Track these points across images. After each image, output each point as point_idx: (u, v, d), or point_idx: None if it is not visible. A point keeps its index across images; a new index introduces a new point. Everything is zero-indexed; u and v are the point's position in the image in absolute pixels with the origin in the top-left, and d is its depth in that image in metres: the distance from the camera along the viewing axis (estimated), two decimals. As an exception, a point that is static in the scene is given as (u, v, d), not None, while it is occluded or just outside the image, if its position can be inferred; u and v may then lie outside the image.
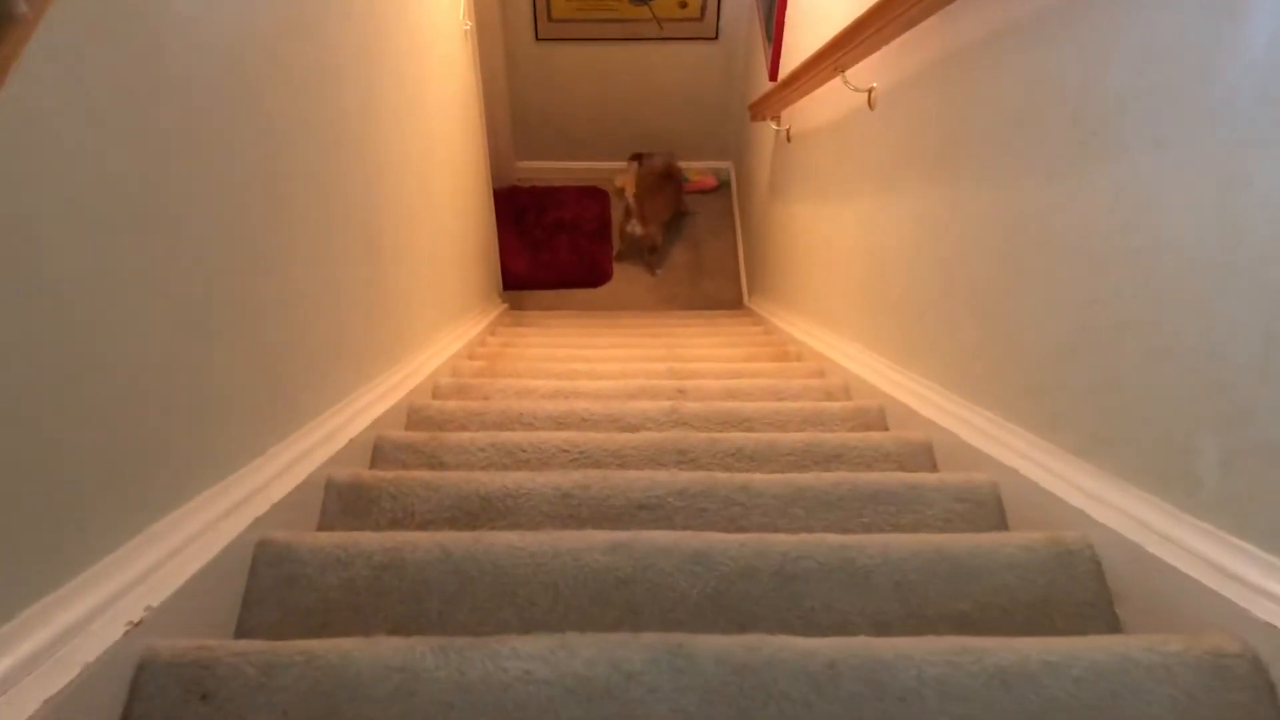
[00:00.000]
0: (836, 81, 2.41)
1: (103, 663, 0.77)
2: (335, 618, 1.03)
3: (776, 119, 3.31)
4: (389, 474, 1.39)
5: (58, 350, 0.75)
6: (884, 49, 2.01)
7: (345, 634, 1.00)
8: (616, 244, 4.97)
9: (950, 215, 1.60)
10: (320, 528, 1.32)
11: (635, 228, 4.66)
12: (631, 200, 4.61)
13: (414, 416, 1.88)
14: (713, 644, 0.83)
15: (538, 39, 4.74)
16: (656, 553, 1.09)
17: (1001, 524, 1.33)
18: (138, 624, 0.82)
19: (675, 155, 4.96)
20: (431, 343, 2.34)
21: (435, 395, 2.13)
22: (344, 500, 1.35)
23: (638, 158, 4.85)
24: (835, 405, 1.93)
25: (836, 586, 1.06)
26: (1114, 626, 1.03)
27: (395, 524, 1.33)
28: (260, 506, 1.11)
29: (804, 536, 1.12)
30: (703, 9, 4.67)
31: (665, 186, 4.81)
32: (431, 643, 0.83)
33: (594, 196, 5.21)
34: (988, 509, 1.35)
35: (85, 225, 0.78)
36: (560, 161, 5.31)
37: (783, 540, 1.11)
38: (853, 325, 2.32)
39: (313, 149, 1.39)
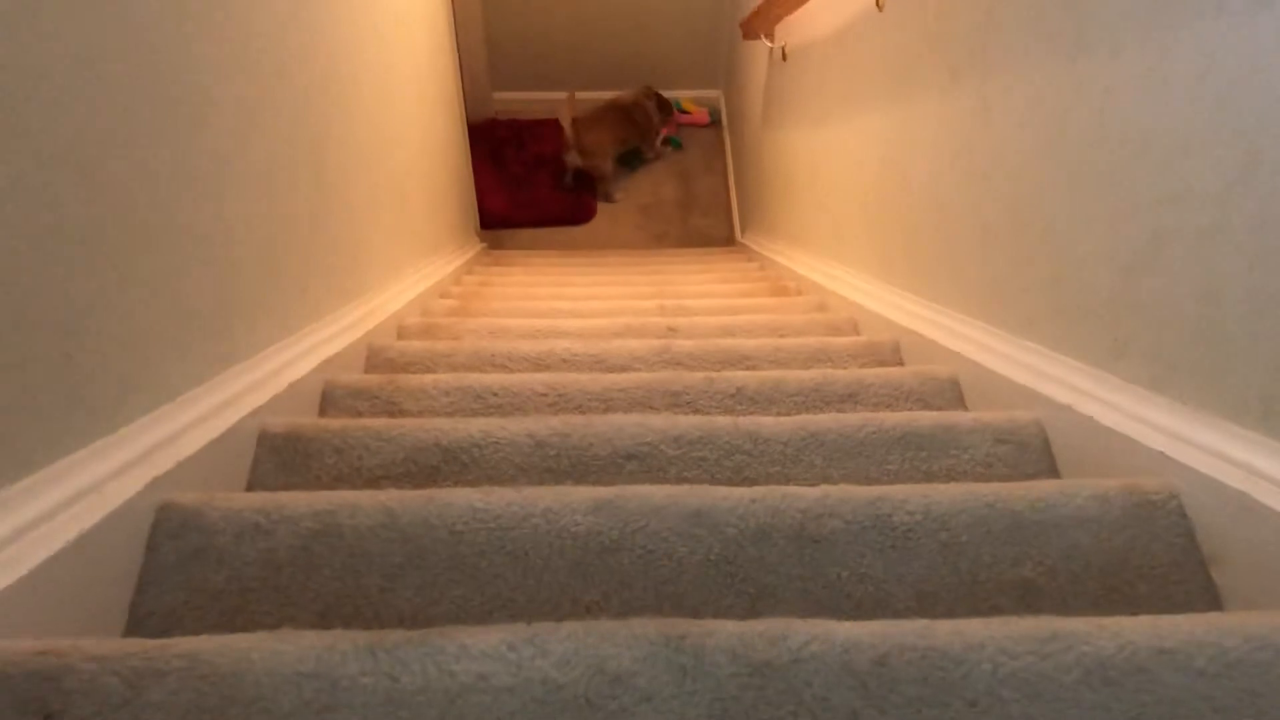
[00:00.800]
0: (840, -16, 2.17)
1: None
2: (251, 601, 0.83)
3: (770, 35, 3.06)
4: (334, 423, 1.18)
5: None
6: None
7: (261, 621, 0.81)
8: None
9: (982, 116, 1.38)
10: (250, 488, 1.11)
11: (574, 159, 4.49)
12: (568, 130, 4.39)
13: (374, 359, 1.66)
14: (725, 635, 0.64)
15: (514, -41, 4.44)
16: (648, 512, 0.89)
17: (1051, 470, 1.14)
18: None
19: (647, 92, 4.68)
20: (397, 280, 2.12)
21: (400, 336, 1.92)
22: (279, 455, 1.14)
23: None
24: (843, 340, 1.73)
25: (870, 550, 0.87)
26: (1210, 595, 0.85)
27: (339, 481, 1.13)
28: (163, 463, 0.91)
29: (826, 489, 0.93)
30: (690, -78, 4.37)
31: (614, 119, 4.57)
32: (357, 639, 0.63)
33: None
34: (1034, 452, 1.16)
35: None
36: (541, 92, 5.01)
37: (801, 495, 0.91)
38: (860, 255, 2.10)
39: (236, 43, 1.16)
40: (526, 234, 4.54)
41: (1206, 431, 0.88)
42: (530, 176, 4.70)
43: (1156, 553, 0.86)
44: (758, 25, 3.03)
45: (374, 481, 1.12)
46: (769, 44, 3.11)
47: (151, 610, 0.82)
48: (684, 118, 5.00)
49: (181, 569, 0.85)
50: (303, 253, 1.43)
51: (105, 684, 0.60)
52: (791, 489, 0.92)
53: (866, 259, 2.04)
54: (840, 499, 0.91)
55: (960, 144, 1.46)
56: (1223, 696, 0.60)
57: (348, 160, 1.70)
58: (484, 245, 4.02)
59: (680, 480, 1.12)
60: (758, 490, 0.92)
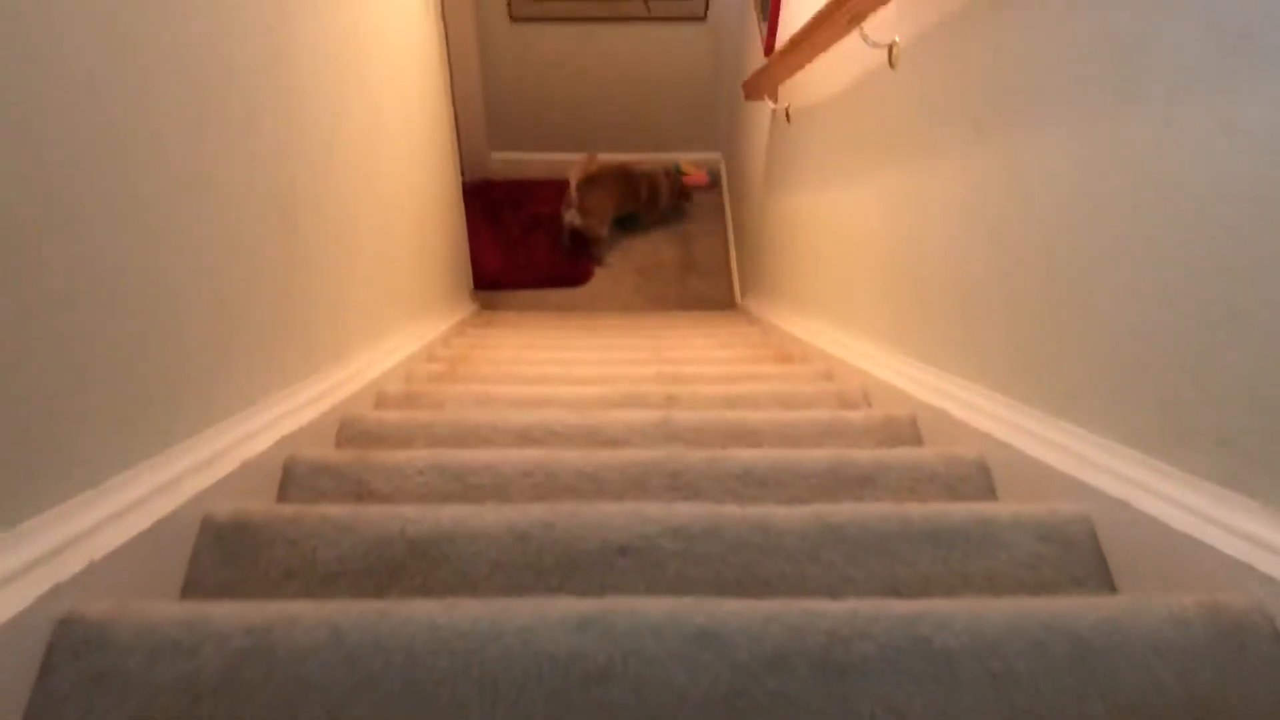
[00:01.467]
0: (846, 43, 2.08)
1: None
2: (159, 742, 0.69)
3: (774, 96, 2.98)
4: (287, 509, 1.04)
5: None
6: (911, -9, 1.69)
7: (166, 772, 0.66)
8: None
9: (1011, 174, 1.26)
10: (186, 586, 0.97)
11: (574, 218, 4.37)
12: (573, 189, 4.28)
13: (347, 431, 1.53)
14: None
15: (512, 19, 4.39)
16: (645, 631, 0.75)
17: (1103, 574, 1.00)
18: None
19: (668, 171, 4.65)
20: (379, 344, 1.99)
21: (379, 405, 1.78)
22: (224, 546, 1.00)
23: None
24: (857, 415, 1.59)
25: (908, 680, 0.73)
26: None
27: (290, 577, 0.98)
28: (70, 565, 0.77)
29: (855, 605, 0.79)
30: (691, -14, 4.35)
31: (620, 185, 4.48)
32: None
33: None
34: (1082, 553, 1.02)
35: None
36: (538, 153, 4.95)
37: (826, 611, 0.77)
38: (871, 322, 1.98)
39: (186, 81, 1.04)
40: (523, 295, 4.43)
41: (1303, 541, 0.75)
42: (527, 237, 4.61)
43: (1255, 692, 0.72)
44: (761, 86, 2.95)
45: (329, 579, 0.98)
46: (772, 105, 3.04)
47: (36, 753, 0.68)
48: (684, 179, 4.92)
49: (79, 698, 0.70)
50: (268, 315, 1.30)
51: None
52: (814, 604, 0.78)
53: (878, 326, 1.92)
54: (871, 616, 0.76)
55: (986, 205, 1.35)
56: None
57: (325, 217, 1.58)
58: (477, 306, 3.91)
59: (680, 579, 0.98)
60: (774, 605, 0.78)
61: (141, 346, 0.94)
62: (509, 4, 4.33)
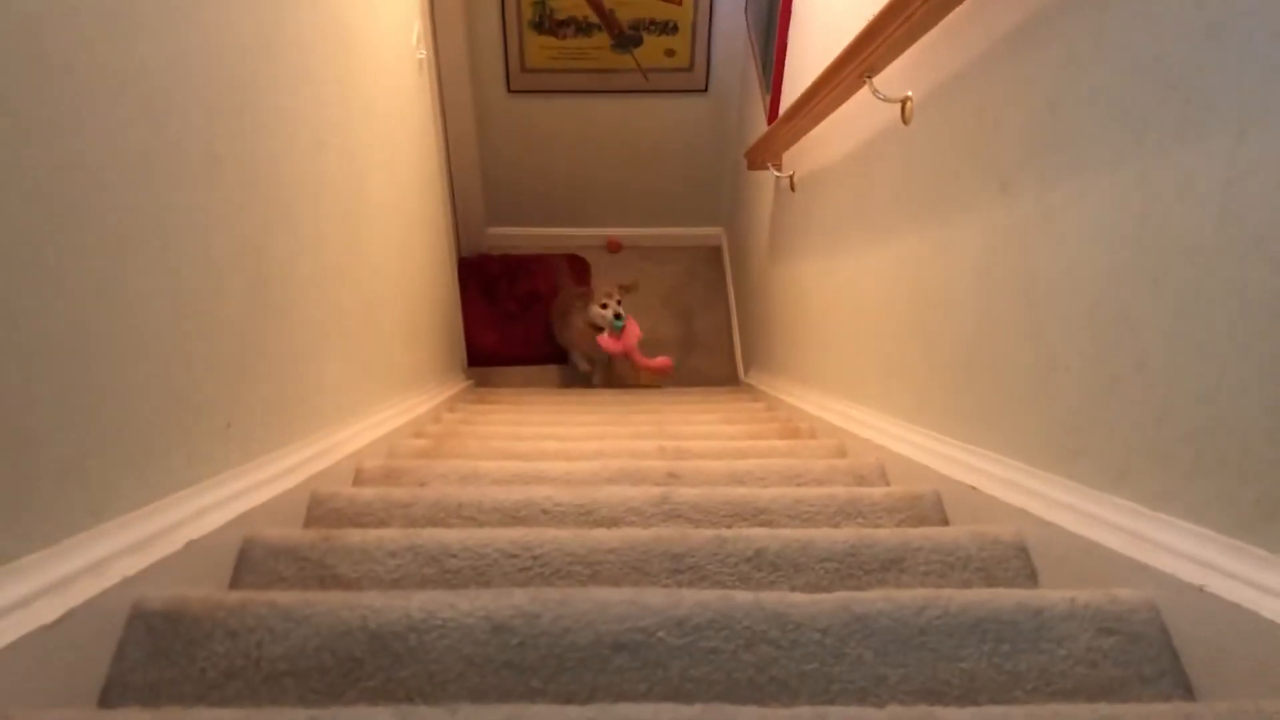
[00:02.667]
0: (854, 104, 2.01)
1: None
2: None
3: (778, 164, 2.92)
4: (231, 597, 0.91)
5: None
6: (918, 46, 1.62)
7: None
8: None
9: (1043, 228, 1.16)
10: (108, 687, 0.83)
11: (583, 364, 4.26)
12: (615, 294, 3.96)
13: (317, 509, 1.39)
14: None
15: (510, 91, 4.37)
16: (643, 750, 0.61)
17: (1176, 673, 0.86)
18: None
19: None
20: (360, 417, 1.87)
21: (357, 481, 1.65)
22: (154, 640, 0.86)
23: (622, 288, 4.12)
24: (876, 491, 1.46)
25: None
26: None
27: (230, 677, 0.84)
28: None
29: (898, 713, 0.65)
30: (692, 58, 4.32)
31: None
32: None
33: (572, 265, 4.79)
34: (1150, 647, 0.88)
35: None
36: (536, 228, 4.89)
37: (864, 723, 0.63)
38: (886, 394, 1.86)
39: (145, 129, 0.94)
40: (518, 372, 4.31)
41: None
42: (523, 313, 4.52)
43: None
44: (764, 154, 2.89)
45: (274, 679, 0.83)
46: (776, 173, 2.97)
47: None
48: (644, 364, 3.97)
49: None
50: (228, 380, 1.18)
51: None
52: (849, 712, 0.64)
53: (894, 398, 1.80)
54: (920, 730, 0.63)
55: (1015, 263, 1.24)
56: None
57: (298, 277, 1.47)
58: (470, 382, 3.79)
59: (686, 681, 0.84)
60: (800, 713, 0.64)
61: (65, 406, 0.81)
62: (507, 76, 4.32)
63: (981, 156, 1.36)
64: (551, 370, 4.35)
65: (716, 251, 5.00)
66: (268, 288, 1.32)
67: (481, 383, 4.01)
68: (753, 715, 0.65)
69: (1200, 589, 0.83)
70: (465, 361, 3.99)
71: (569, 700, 0.83)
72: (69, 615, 0.77)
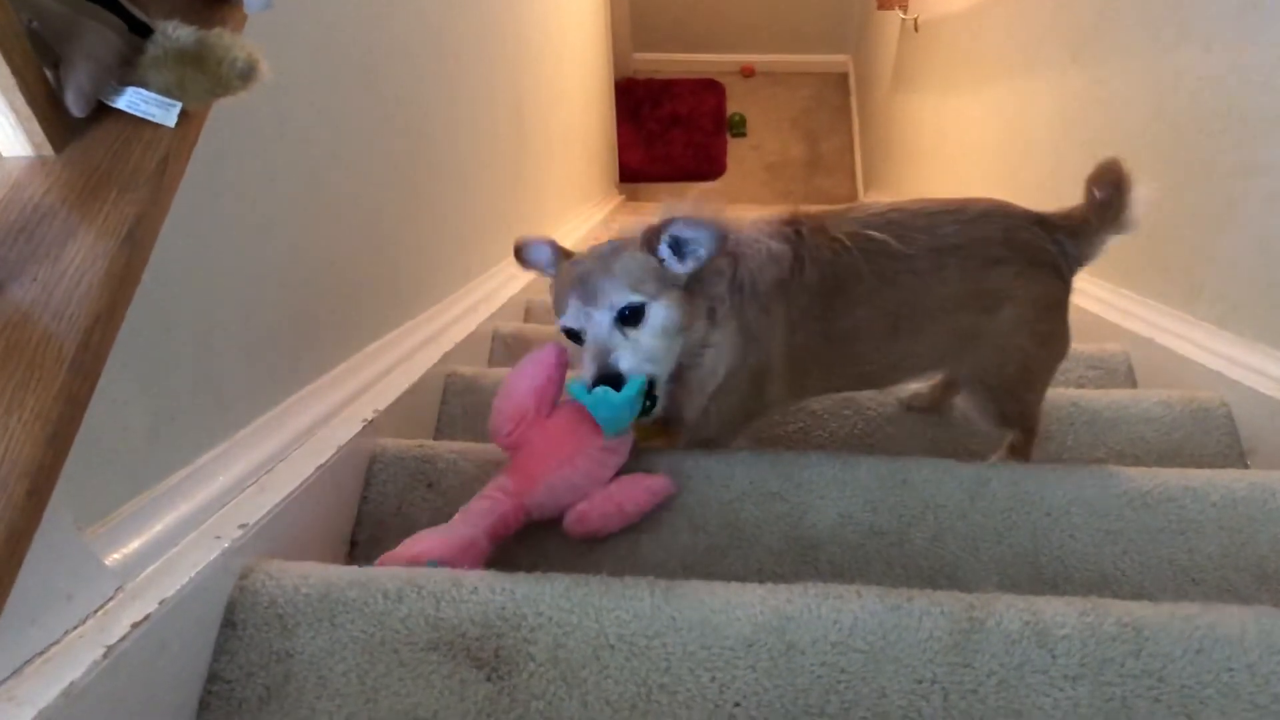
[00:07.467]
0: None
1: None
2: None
3: (905, 8, 3.26)
4: (545, 327, 1.53)
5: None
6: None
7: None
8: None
9: (1095, 93, 1.61)
10: (439, 428, 1.37)
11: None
12: None
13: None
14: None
15: (658, -76, 4.70)
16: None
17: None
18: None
19: None
20: (571, 218, 2.50)
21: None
22: (508, 348, 1.50)
23: None
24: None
25: None
26: None
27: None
28: (446, 345, 1.27)
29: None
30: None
31: None
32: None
33: (710, 90, 5.21)
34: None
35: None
36: (677, 54, 5.29)
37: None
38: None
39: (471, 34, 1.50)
40: (663, 188, 4.86)
41: None
42: (665, 134, 5.00)
43: None
44: (894, -2, 3.24)
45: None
46: (903, 15, 3.31)
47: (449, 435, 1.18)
48: None
49: (463, 419, 1.20)
50: (505, 195, 1.78)
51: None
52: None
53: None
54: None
55: (1076, 116, 1.69)
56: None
57: (539, 119, 2.05)
58: (623, 197, 4.36)
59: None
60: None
61: (451, 214, 1.42)
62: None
63: (1059, 33, 1.79)
64: (690, 188, 4.85)
65: (843, 79, 5.31)
66: (523, 127, 1.90)
67: (630, 198, 4.57)
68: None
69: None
70: (618, 178, 4.54)
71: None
72: (474, 333, 1.40)
